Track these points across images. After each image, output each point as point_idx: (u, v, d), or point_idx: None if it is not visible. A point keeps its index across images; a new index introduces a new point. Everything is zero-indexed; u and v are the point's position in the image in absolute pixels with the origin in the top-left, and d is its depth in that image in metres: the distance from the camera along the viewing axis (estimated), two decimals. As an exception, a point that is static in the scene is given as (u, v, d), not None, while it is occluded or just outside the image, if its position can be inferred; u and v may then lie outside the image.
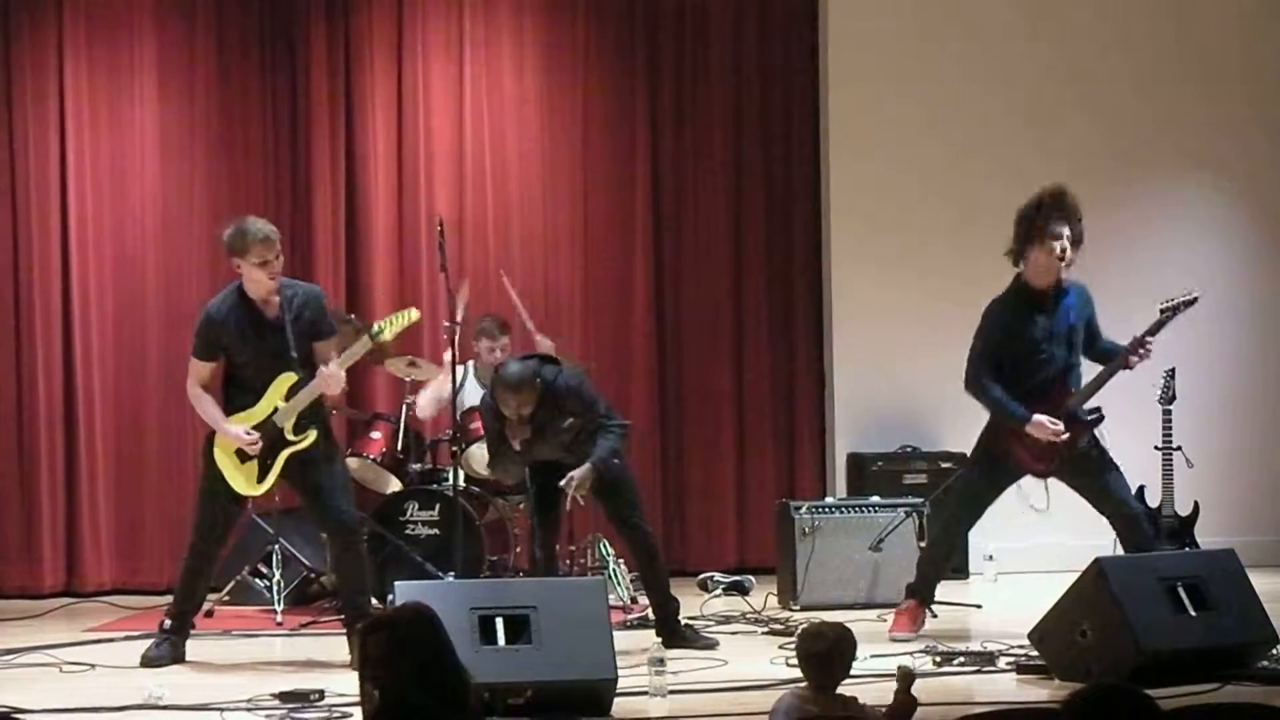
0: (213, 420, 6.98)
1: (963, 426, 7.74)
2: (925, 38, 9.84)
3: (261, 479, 6.97)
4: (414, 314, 7.22)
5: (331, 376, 6.86)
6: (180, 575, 7.18)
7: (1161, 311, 7.26)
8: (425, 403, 8.78)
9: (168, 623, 7.07)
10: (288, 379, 6.91)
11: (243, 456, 6.96)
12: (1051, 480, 7.43)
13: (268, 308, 6.94)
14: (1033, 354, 7.23)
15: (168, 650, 6.99)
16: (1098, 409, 7.24)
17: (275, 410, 6.91)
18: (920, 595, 7.50)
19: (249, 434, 6.88)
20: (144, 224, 9.47)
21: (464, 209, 9.68)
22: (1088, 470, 7.23)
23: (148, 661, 6.92)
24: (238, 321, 6.93)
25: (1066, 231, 7.18)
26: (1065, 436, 7.15)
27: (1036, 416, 7.14)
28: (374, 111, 9.62)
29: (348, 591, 7.17)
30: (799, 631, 4.92)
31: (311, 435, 6.93)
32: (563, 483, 7.13)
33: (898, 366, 9.66)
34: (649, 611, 7.95)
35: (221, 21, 9.55)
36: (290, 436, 6.92)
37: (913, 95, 9.80)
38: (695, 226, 9.90)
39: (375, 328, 7.05)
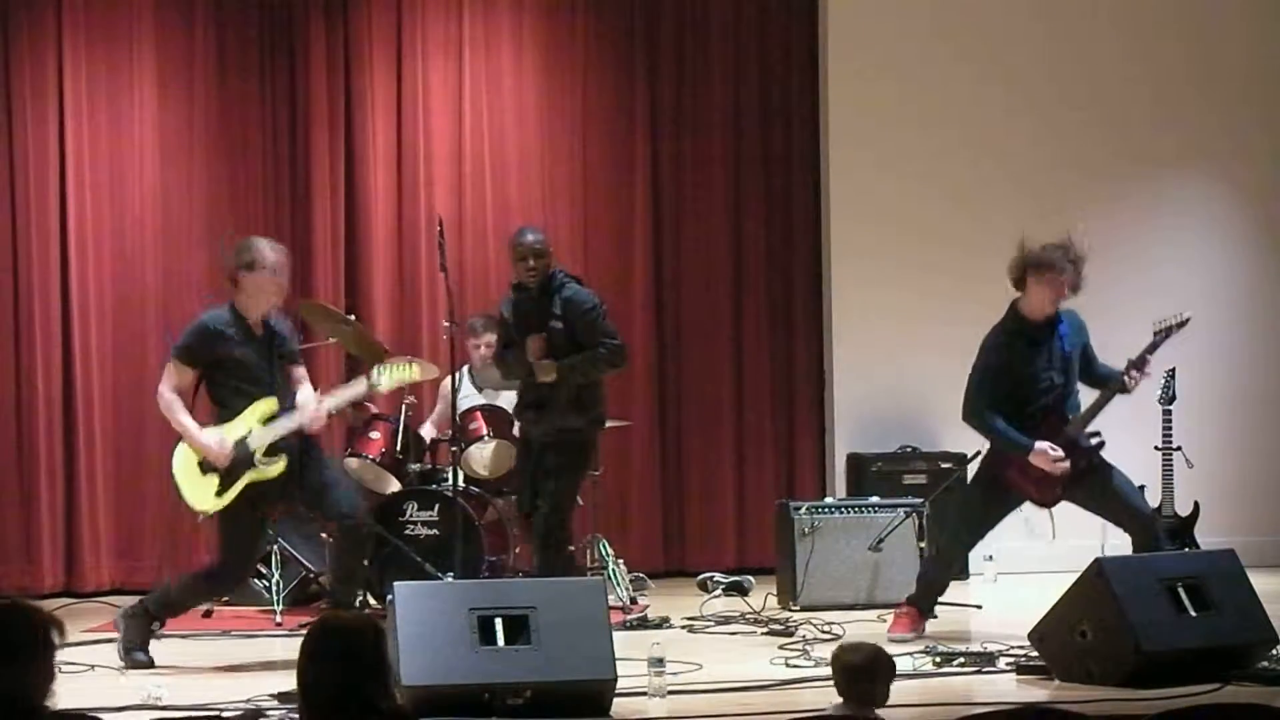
0: (183, 427, 6.91)
1: (962, 427, 7.73)
2: (925, 37, 9.84)
3: (220, 494, 6.88)
4: (415, 371, 7.33)
5: (316, 416, 6.92)
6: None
7: (1155, 333, 7.27)
8: (433, 425, 8.82)
9: (156, 625, 7.05)
10: (269, 405, 6.88)
11: (204, 468, 6.90)
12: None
13: (257, 326, 7.00)
14: (1031, 383, 7.24)
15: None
16: (1097, 433, 7.24)
17: (250, 433, 6.87)
18: (920, 605, 7.50)
19: (220, 442, 6.82)
20: (144, 224, 9.47)
21: (464, 209, 9.68)
22: (1093, 484, 7.23)
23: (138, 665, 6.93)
24: (233, 334, 6.94)
25: (1069, 270, 7.14)
26: (1066, 465, 7.15)
27: (1038, 445, 7.14)
28: (373, 112, 9.62)
29: (346, 581, 7.21)
30: (834, 656, 4.81)
31: (280, 463, 6.86)
32: (536, 357, 7.31)
33: (898, 366, 9.66)
34: (648, 611, 7.98)
35: (221, 22, 9.55)
36: (259, 460, 6.85)
37: (913, 95, 9.80)
38: (695, 227, 9.90)
39: (374, 375, 7.14)
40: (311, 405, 6.92)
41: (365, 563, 7.33)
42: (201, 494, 6.91)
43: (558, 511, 7.42)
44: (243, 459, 6.85)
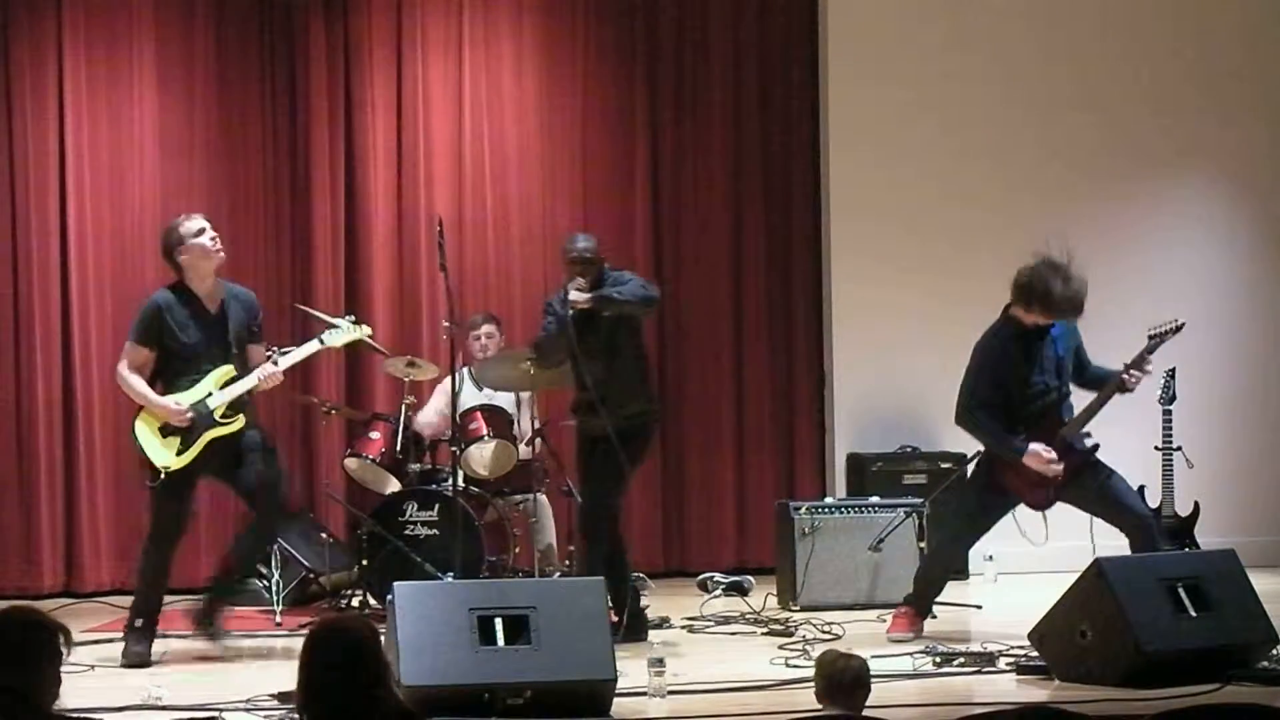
0: (142, 395, 7.18)
1: (962, 426, 7.74)
2: (925, 36, 9.84)
3: (180, 454, 7.12)
4: (365, 330, 7.63)
5: (271, 375, 7.17)
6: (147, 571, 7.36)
7: (1150, 338, 7.31)
8: (428, 419, 8.79)
9: (139, 621, 7.21)
10: (227, 371, 7.17)
11: (166, 431, 7.13)
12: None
13: (209, 302, 7.26)
14: (1024, 386, 7.25)
15: (146, 647, 7.19)
16: (1089, 435, 7.25)
17: (209, 395, 7.13)
18: (917, 606, 7.50)
19: (178, 404, 7.09)
20: (143, 224, 9.46)
21: (464, 209, 9.68)
22: (1089, 485, 7.23)
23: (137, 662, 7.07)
24: (183, 312, 7.23)
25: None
26: (1060, 468, 7.16)
27: (1032, 447, 7.15)
28: (373, 111, 9.62)
29: (245, 564, 7.56)
30: (821, 661, 4.85)
31: (239, 421, 7.14)
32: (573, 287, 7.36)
33: (898, 366, 9.66)
34: (648, 611, 7.98)
35: (221, 21, 9.54)
36: (218, 419, 7.12)
37: (913, 94, 9.79)
38: (695, 226, 9.90)
39: (327, 335, 7.43)
40: (267, 366, 7.19)
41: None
42: (165, 454, 7.13)
43: (592, 498, 7.42)
44: (203, 418, 7.11)
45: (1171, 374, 8.85)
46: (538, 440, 8.55)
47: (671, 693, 6.10)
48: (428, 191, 9.62)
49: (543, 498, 8.61)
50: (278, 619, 8.03)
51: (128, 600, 8.94)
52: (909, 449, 9.51)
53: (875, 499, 8.74)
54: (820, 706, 4.74)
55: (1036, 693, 6.24)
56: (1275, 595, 6.96)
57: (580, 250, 7.49)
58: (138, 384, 7.16)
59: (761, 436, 9.93)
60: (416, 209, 9.60)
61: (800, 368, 9.97)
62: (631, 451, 7.38)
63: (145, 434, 7.16)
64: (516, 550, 8.45)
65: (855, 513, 8.57)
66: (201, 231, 7.24)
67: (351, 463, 8.61)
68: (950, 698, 6.11)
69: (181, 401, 7.09)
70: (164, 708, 6.03)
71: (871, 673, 5.85)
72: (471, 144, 9.71)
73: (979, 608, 8.25)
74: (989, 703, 5.88)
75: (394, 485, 8.60)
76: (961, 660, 6.68)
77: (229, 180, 9.53)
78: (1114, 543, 7.32)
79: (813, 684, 4.89)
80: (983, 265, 9.04)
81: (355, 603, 8.24)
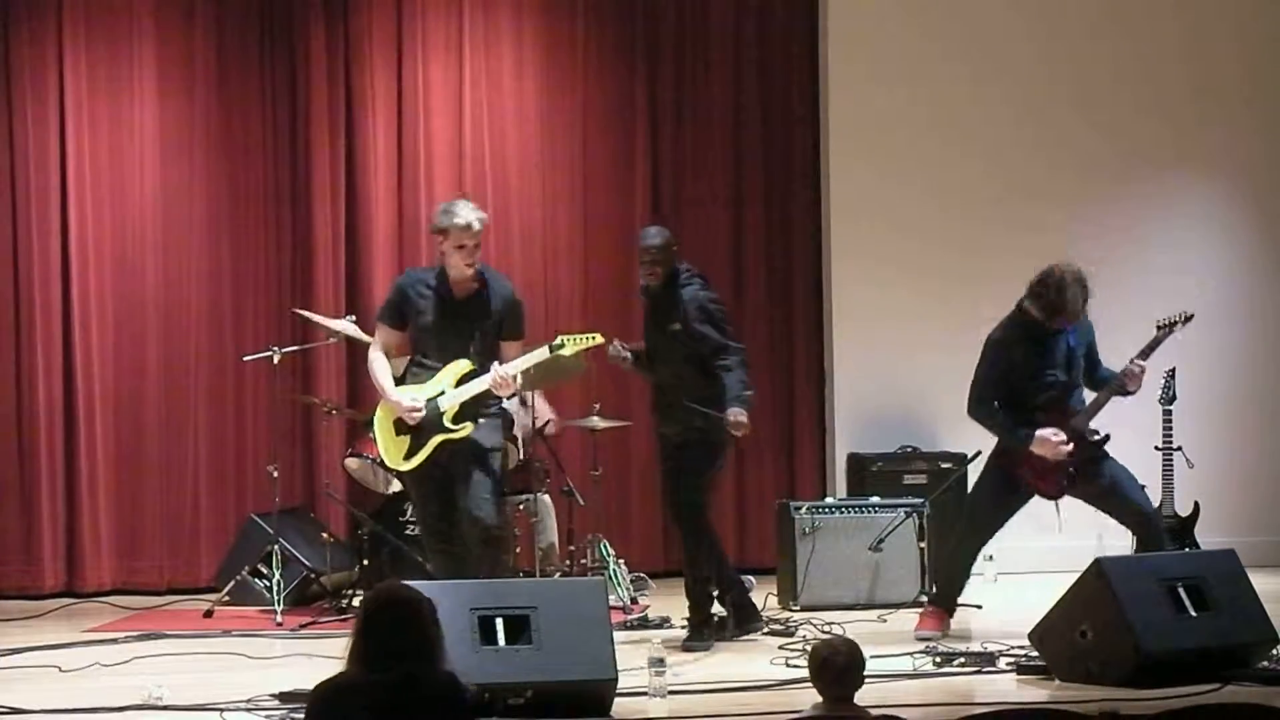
0: (379, 386, 7.00)
1: (963, 427, 7.74)
2: (925, 37, 9.84)
3: (409, 457, 6.95)
4: (598, 338, 7.15)
5: (503, 379, 6.83)
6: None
7: (1159, 328, 7.32)
8: None
9: None
10: (463, 366, 6.90)
11: (399, 428, 6.96)
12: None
13: (459, 289, 6.95)
14: (1035, 378, 7.28)
15: None
16: (1097, 431, 7.27)
17: (441, 393, 6.90)
18: (944, 605, 7.52)
19: (413, 400, 6.86)
20: (144, 224, 9.47)
21: (464, 209, 9.66)
22: (1097, 479, 7.25)
23: None
24: (428, 295, 6.96)
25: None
26: (1070, 450, 7.17)
27: (1040, 432, 7.18)
28: (374, 111, 9.62)
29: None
30: (811, 649, 4.88)
31: (467, 428, 6.87)
32: (731, 422, 7.12)
33: (898, 366, 9.66)
34: (648, 611, 7.98)
35: (221, 21, 9.54)
36: (447, 423, 6.87)
37: (912, 95, 9.79)
38: (695, 226, 9.89)
39: (558, 341, 7.00)
40: (500, 370, 6.83)
41: (498, 571, 7.07)
42: (395, 454, 7.01)
43: (690, 504, 7.37)
44: (433, 421, 6.88)
45: (1171, 374, 8.85)
46: (537, 440, 8.55)
47: (671, 693, 6.10)
48: (428, 192, 9.62)
49: (544, 497, 8.61)
50: (278, 619, 8.03)
51: (128, 600, 9.04)
52: (909, 449, 9.51)
53: (875, 499, 8.75)
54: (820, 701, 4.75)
55: (1036, 693, 6.25)
56: (1275, 595, 6.97)
57: (644, 246, 7.42)
58: (378, 370, 6.98)
59: (761, 437, 9.89)
60: (417, 210, 9.60)
61: (800, 368, 9.97)
62: (700, 456, 7.39)
63: (381, 425, 7.01)
64: (517, 550, 8.44)
65: (855, 513, 8.58)
66: (462, 248, 6.89)
67: (352, 463, 8.62)
68: (950, 698, 6.11)
69: (418, 397, 6.88)
70: (164, 708, 6.03)
71: (872, 673, 5.88)
72: (472, 144, 9.70)
73: (979, 608, 8.25)
74: (989, 703, 5.88)
75: (394, 485, 8.60)
76: (961, 660, 6.69)
77: (229, 181, 9.54)
78: (1111, 542, 7.33)
79: (812, 684, 4.90)
80: (982, 266, 9.06)
81: (355, 603, 8.23)
